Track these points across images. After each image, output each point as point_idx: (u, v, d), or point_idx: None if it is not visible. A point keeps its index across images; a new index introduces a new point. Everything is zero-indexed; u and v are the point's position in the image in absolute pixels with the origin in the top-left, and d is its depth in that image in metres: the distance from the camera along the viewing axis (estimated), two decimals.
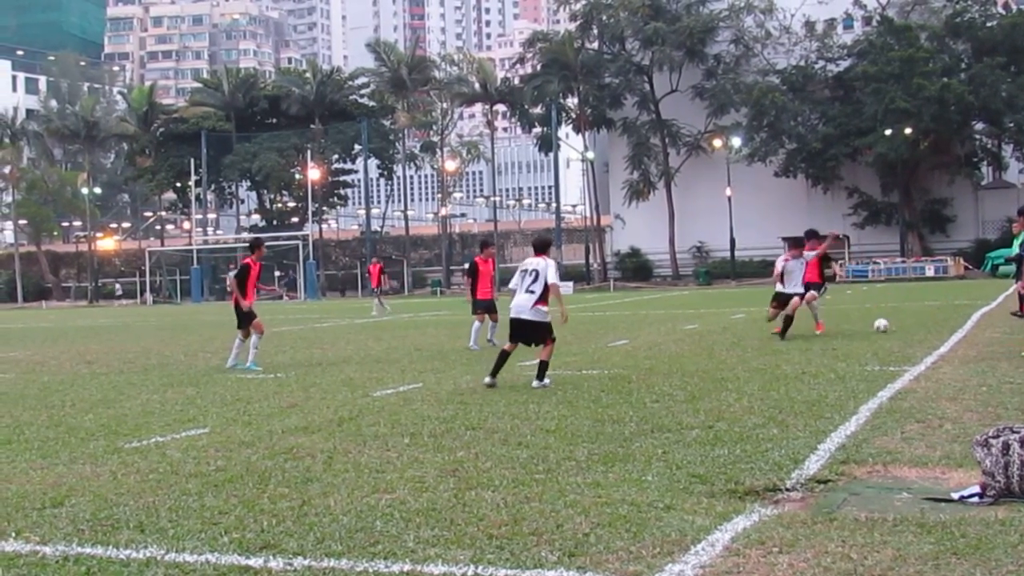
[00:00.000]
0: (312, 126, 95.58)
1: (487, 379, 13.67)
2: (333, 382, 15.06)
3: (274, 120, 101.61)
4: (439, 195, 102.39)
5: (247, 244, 17.90)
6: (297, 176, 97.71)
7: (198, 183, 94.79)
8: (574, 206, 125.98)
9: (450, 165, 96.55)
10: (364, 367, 17.34)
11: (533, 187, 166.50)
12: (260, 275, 17.80)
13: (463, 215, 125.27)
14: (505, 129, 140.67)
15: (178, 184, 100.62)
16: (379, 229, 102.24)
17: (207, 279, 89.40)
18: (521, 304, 13.52)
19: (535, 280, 13.44)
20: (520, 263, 13.92)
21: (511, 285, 13.91)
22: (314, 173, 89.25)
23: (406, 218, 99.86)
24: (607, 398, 12.11)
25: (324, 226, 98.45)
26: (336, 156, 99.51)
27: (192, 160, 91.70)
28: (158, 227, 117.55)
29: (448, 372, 15.93)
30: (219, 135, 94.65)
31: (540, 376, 13.46)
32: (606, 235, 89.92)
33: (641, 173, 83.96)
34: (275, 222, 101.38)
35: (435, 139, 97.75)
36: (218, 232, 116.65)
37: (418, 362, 18.05)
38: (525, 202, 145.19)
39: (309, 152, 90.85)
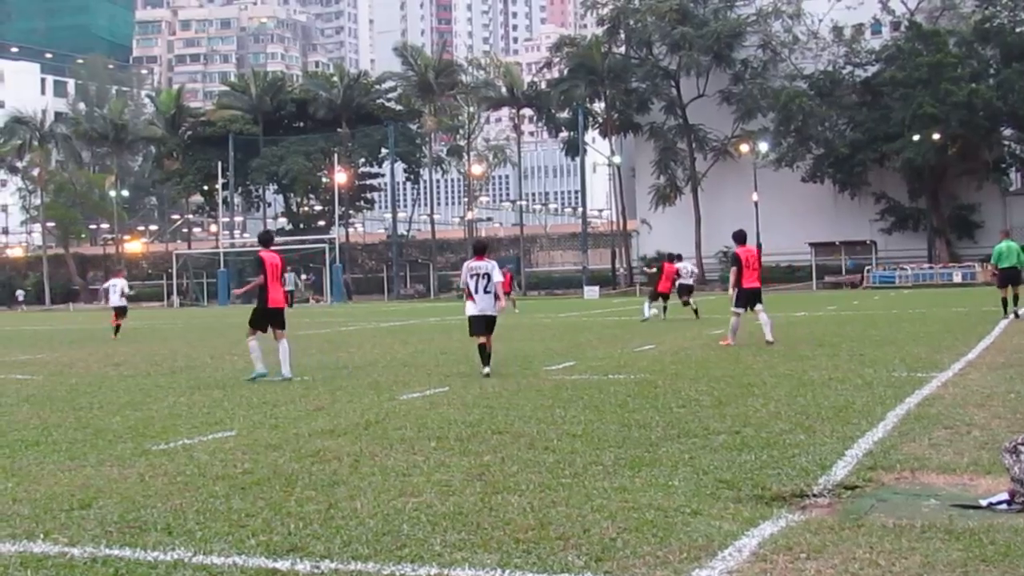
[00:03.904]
0: (339, 130, 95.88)
1: (485, 370, 15.76)
2: (359, 385, 15.07)
3: (301, 123, 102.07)
4: (465, 199, 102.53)
5: None
6: (324, 180, 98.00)
7: (225, 186, 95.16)
8: (600, 211, 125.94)
9: (476, 169, 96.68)
10: (390, 370, 17.35)
11: (559, 191, 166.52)
12: None
13: (489, 219, 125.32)
14: (532, 133, 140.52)
15: (205, 187, 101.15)
16: (405, 233, 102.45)
17: (233, 282, 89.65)
18: (488, 304, 16.01)
19: (489, 281, 15.91)
20: (467, 265, 16.24)
21: (462, 284, 16.49)
22: (341, 177, 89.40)
23: (432, 222, 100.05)
24: (633, 403, 12.08)
25: (351, 230, 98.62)
26: (363, 160, 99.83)
27: (219, 163, 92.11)
28: (185, 230, 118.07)
29: (474, 376, 15.90)
30: (246, 138, 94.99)
31: (488, 362, 15.92)
32: (632, 240, 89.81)
33: (668, 178, 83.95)
34: (302, 225, 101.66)
35: (462, 143, 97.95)
36: (245, 235, 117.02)
37: (444, 366, 18.07)
38: (551, 206, 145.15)
39: (336, 156, 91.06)
